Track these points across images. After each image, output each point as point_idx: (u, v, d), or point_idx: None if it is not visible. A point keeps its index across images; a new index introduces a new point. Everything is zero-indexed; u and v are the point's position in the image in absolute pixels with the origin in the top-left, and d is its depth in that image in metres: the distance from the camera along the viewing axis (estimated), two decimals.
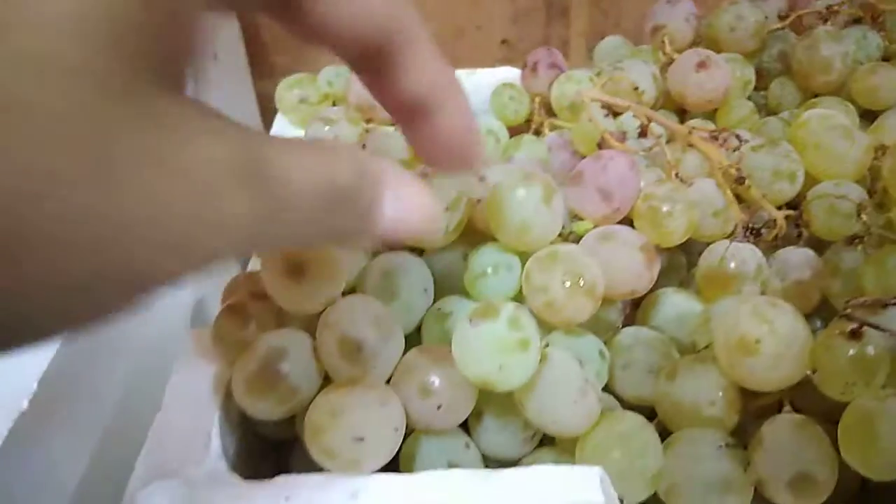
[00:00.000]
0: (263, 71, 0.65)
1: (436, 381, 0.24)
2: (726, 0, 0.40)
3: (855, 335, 0.22)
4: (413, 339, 0.27)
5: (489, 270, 0.26)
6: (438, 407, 0.24)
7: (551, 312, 0.26)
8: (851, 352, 0.22)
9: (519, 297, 0.27)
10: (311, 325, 0.26)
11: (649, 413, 0.28)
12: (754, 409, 0.26)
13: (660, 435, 0.26)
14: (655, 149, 0.32)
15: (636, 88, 0.34)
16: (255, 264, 0.35)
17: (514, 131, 0.43)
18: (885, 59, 0.39)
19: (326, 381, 0.25)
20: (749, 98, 0.40)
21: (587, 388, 0.23)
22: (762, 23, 0.39)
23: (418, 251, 0.29)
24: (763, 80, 0.41)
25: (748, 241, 0.30)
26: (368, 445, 0.22)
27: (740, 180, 0.30)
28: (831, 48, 0.37)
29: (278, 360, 0.25)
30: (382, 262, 0.27)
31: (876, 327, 0.22)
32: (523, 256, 0.27)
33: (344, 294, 0.27)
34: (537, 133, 0.42)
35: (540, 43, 0.63)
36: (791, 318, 0.24)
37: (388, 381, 0.25)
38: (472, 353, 0.22)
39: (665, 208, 0.28)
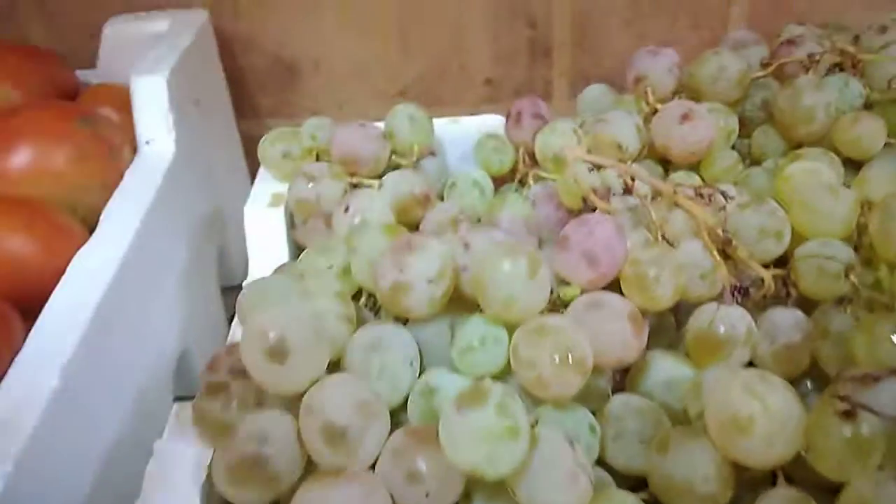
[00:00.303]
0: (247, 112, 0.64)
1: (423, 466, 0.23)
2: (708, 49, 0.40)
3: (849, 416, 0.22)
4: (399, 413, 0.27)
5: (476, 343, 0.26)
6: (426, 494, 0.23)
7: (540, 388, 0.25)
8: (846, 433, 0.22)
9: (507, 370, 0.26)
10: (293, 404, 0.26)
11: (643, 481, 0.27)
12: (746, 479, 0.26)
13: None
14: (641, 209, 0.32)
15: (619, 145, 0.33)
16: (236, 332, 0.34)
17: (499, 181, 0.43)
18: (867, 106, 0.39)
19: (310, 464, 0.25)
20: (733, 146, 0.40)
21: (578, 471, 0.23)
22: (745, 72, 0.39)
23: (403, 321, 0.29)
24: (746, 127, 0.41)
25: (736, 302, 0.29)
26: None
27: (727, 242, 0.29)
28: (813, 97, 0.37)
29: (260, 447, 0.24)
30: (366, 335, 0.27)
31: (869, 410, 0.22)
32: (511, 327, 0.27)
33: (327, 369, 0.26)
34: (522, 183, 0.42)
35: (523, 82, 0.63)
36: (783, 393, 0.23)
37: (373, 465, 0.24)
38: (459, 441, 0.22)
39: (652, 274, 0.28)
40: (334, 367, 0.27)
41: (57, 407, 0.31)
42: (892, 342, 0.24)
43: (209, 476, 0.26)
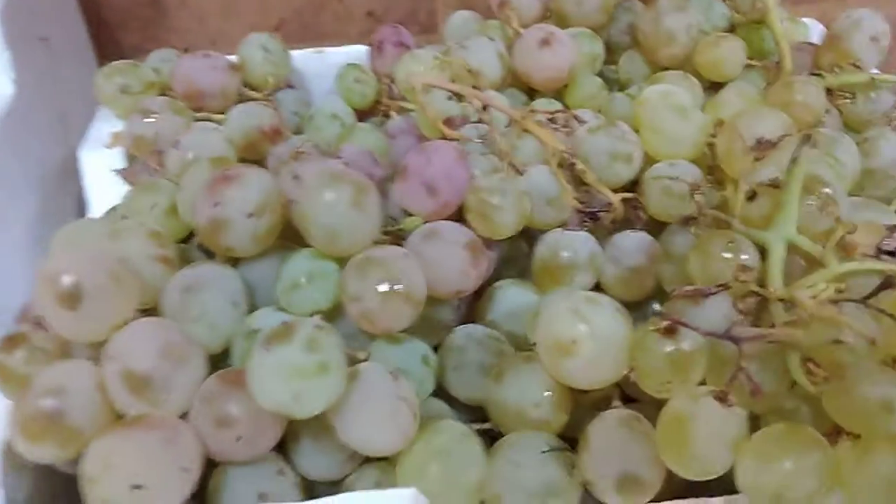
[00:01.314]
0: (110, 52, 0.59)
1: (233, 410, 0.21)
2: None
3: (669, 332, 0.21)
4: (224, 358, 0.25)
5: (302, 280, 0.24)
6: (238, 438, 0.21)
7: (368, 322, 0.24)
8: (665, 349, 0.21)
9: (339, 306, 0.25)
10: (98, 352, 0.24)
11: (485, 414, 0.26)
12: (588, 402, 0.26)
13: (494, 439, 0.25)
14: (489, 136, 0.31)
15: (470, 71, 0.32)
16: None
17: (364, 115, 0.41)
18: (731, 29, 0.39)
19: (119, 415, 0.23)
20: (600, 73, 0.39)
21: (400, 405, 0.22)
22: None
23: (232, 261, 0.27)
24: (613, 53, 0.40)
25: (586, 228, 0.29)
26: (150, 492, 0.20)
27: (571, 166, 0.28)
28: (675, 19, 0.36)
29: (56, 400, 0.22)
30: (184, 276, 0.25)
31: (689, 326, 0.21)
32: (341, 261, 0.25)
33: (143, 315, 0.24)
34: (386, 116, 0.40)
35: (407, 14, 0.60)
36: (609, 315, 0.23)
37: (186, 414, 0.22)
38: (264, 380, 0.20)
39: (494, 201, 0.27)
40: (152, 313, 0.25)
41: None
42: (724, 258, 0.24)
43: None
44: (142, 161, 0.31)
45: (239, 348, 0.24)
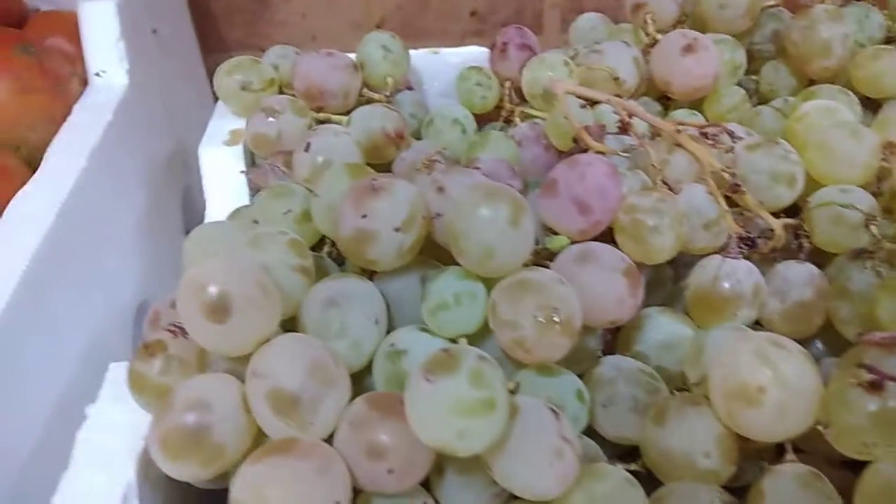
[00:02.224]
0: (214, 45, 0.59)
1: (387, 440, 0.20)
2: None
3: (875, 387, 0.19)
4: (363, 378, 0.24)
5: (450, 300, 0.23)
6: (390, 471, 0.20)
7: (522, 352, 0.22)
8: (871, 407, 0.19)
9: (484, 330, 0.23)
10: (241, 365, 0.22)
11: (634, 449, 0.24)
12: (749, 449, 0.23)
13: (644, 478, 0.23)
14: (639, 149, 0.29)
15: (616, 78, 0.30)
16: None
17: (483, 119, 0.39)
18: (889, 41, 0.35)
19: (261, 434, 0.22)
20: (739, 83, 0.36)
21: (564, 447, 0.20)
22: (755, 0, 0.35)
23: (368, 274, 0.25)
24: (754, 62, 0.37)
25: (742, 255, 0.26)
26: None
27: (735, 188, 0.26)
28: (830, 29, 0.33)
29: (201, 415, 0.21)
30: (325, 289, 0.24)
31: None
32: (489, 282, 0.23)
33: (281, 328, 0.23)
34: (508, 122, 0.38)
35: (512, 15, 0.59)
36: (799, 362, 0.20)
37: (330, 437, 0.21)
38: (428, 415, 0.19)
39: (651, 222, 0.25)
40: (289, 326, 0.23)
41: None
42: None
43: (146, 447, 0.23)
44: (268, 163, 0.30)
45: (381, 369, 0.23)
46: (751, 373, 0.20)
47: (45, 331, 0.33)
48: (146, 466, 0.23)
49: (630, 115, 0.29)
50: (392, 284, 0.25)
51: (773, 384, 0.20)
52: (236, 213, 0.30)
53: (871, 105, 0.34)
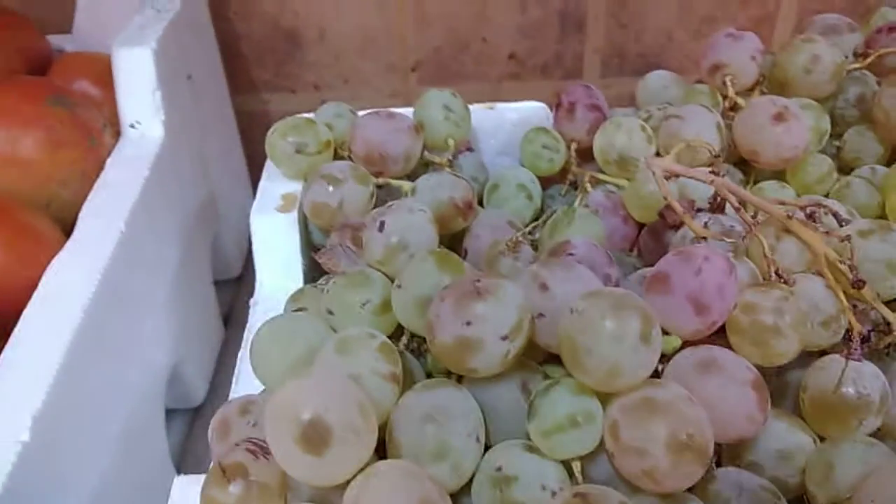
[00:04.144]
0: (242, 86, 0.57)
1: None
2: (796, 37, 0.35)
3: None
4: (459, 498, 0.21)
5: (565, 423, 0.20)
6: None
7: (650, 481, 0.20)
8: None
9: (597, 449, 0.21)
10: (329, 493, 0.20)
11: None
12: None
13: None
14: (739, 231, 0.27)
15: (717, 156, 0.28)
16: (242, 374, 0.28)
17: (545, 182, 0.37)
18: None
19: None
20: (822, 150, 0.34)
21: None
22: (841, 64, 0.34)
23: (456, 377, 0.23)
24: (835, 127, 0.35)
25: (863, 357, 0.24)
26: None
27: (859, 284, 0.24)
28: None
29: None
30: (419, 402, 0.21)
31: None
32: (602, 395, 0.21)
33: None
34: (574, 186, 0.36)
35: (551, 58, 0.57)
36: None
37: None
38: None
39: (772, 323, 0.23)
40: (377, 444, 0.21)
41: (28, 460, 0.25)
42: None
43: None
44: (338, 243, 0.28)
45: (487, 497, 0.21)
46: None
47: (82, 405, 0.31)
48: None
49: (739, 202, 0.26)
50: (489, 393, 0.23)
51: None
52: (300, 296, 0.27)
53: None
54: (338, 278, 0.26)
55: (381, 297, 0.25)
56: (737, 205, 0.26)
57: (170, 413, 0.43)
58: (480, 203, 0.36)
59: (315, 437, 0.18)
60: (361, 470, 0.19)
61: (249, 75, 0.57)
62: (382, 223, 0.27)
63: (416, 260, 0.24)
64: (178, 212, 0.43)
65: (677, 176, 0.28)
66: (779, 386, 0.27)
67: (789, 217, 0.25)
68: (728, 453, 0.25)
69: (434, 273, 0.24)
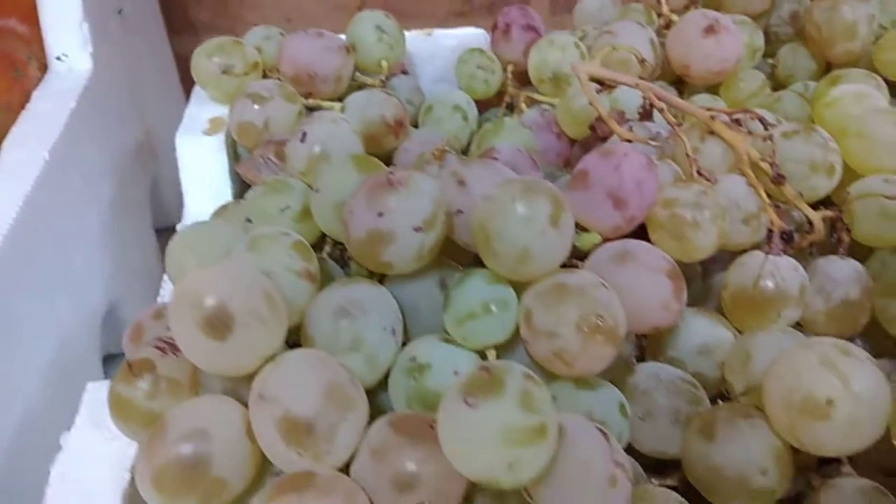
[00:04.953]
0: (180, 27, 0.56)
1: (417, 470, 0.17)
2: None
3: None
4: (375, 393, 0.21)
5: (479, 310, 0.20)
6: None
7: (561, 364, 0.20)
8: None
9: (513, 338, 0.21)
10: (240, 386, 0.20)
11: (669, 463, 0.22)
12: (801, 462, 0.21)
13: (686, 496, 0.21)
14: (665, 136, 0.26)
15: (642, 61, 0.27)
16: (167, 288, 0.28)
17: (483, 105, 0.37)
18: None
19: (263, 465, 0.19)
20: (756, 67, 0.34)
21: (618, 473, 0.18)
22: None
23: (378, 277, 0.23)
24: (770, 45, 0.35)
25: (783, 252, 0.24)
26: None
27: (779, 179, 0.24)
28: (855, 10, 0.32)
29: (198, 446, 0.18)
30: (334, 297, 0.21)
31: None
32: (517, 285, 0.21)
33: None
34: (510, 108, 0.36)
35: None
36: (869, 370, 0.18)
37: (347, 465, 0.19)
38: (470, 444, 0.16)
39: (691, 217, 0.23)
40: (291, 336, 0.21)
41: None
42: None
43: (133, 481, 0.20)
44: (259, 154, 0.27)
45: (401, 385, 0.21)
46: (818, 384, 0.18)
47: (6, 338, 0.30)
48: (133, 502, 0.20)
49: (661, 103, 0.26)
50: (407, 289, 0.22)
51: (844, 396, 0.18)
52: (223, 211, 0.27)
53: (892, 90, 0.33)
54: (257, 186, 0.25)
55: (301, 204, 0.24)
56: (661, 106, 0.25)
57: (114, 358, 0.42)
58: (416, 127, 0.35)
59: (217, 323, 0.18)
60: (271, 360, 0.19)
61: (188, 15, 0.56)
62: (304, 134, 0.27)
63: (334, 164, 0.24)
64: (109, 147, 0.42)
65: (604, 85, 0.28)
66: (704, 289, 0.27)
67: (712, 118, 0.25)
68: (651, 350, 0.25)
69: (353, 176, 0.23)
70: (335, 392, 0.18)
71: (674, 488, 0.21)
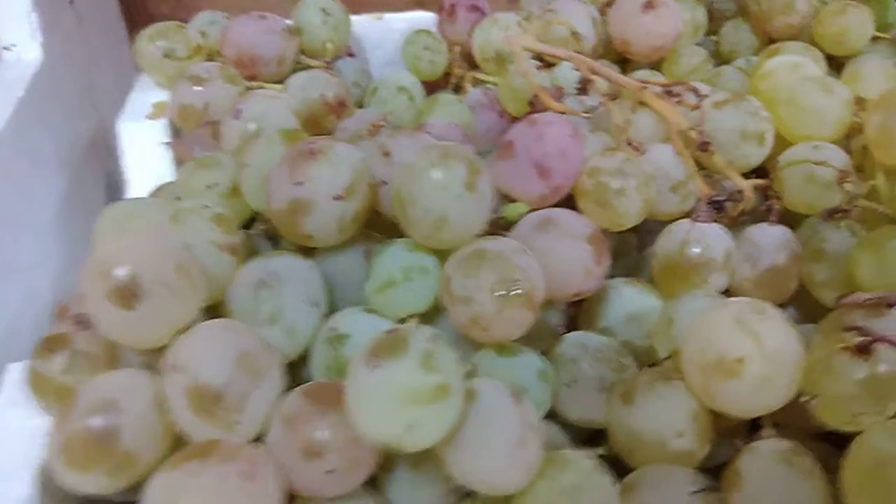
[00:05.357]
0: (139, 19, 0.55)
1: (326, 437, 0.17)
2: None
3: (863, 351, 0.17)
4: (300, 366, 0.21)
5: (398, 276, 0.20)
6: (329, 472, 0.18)
7: (479, 330, 0.20)
8: (860, 374, 0.17)
9: (438, 309, 0.21)
10: (156, 360, 0.20)
11: (600, 433, 0.22)
12: (725, 427, 0.21)
13: (611, 463, 0.21)
14: (600, 109, 0.26)
15: (575, 33, 0.27)
16: None
17: (431, 87, 0.37)
18: None
19: (179, 437, 0.19)
20: (699, 43, 0.34)
21: (527, 435, 0.18)
22: None
23: (306, 251, 0.23)
24: (713, 22, 0.35)
25: (711, 219, 0.24)
26: None
27: (704, 146, 0.24)
28: None
29: (107, 418, 0.18)
30: (254, 270, 0.21)
31: (888, 341, 0.17)
32: (440, 254, 0.21)
33: (207, 315, 0.20)
34: (457, 89, 0.36)
35: None
36: (781, 328, 0.19)
37: (261, 435, 0.18)
38: (370, 406, 0.16)
39: (616, 185, 0.23)
40: (215, 312, 0.21)
41: None
42: None
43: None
44: (194, 132, 0.27)
45: (321, 356, 0.21)
46: (729, 342, 0.18)
47: None
48: (48, 478, 0.20)
49: (592, 74, 0.27)
50: (333, 262, 0.22)
51: (754, 354, 0.18)
52: (159, 191, 0.27)
53: (835, 63, 0.33)
54: (187, 164, 0.25)
55: (230, 180, 0.24)
56: (591, 78, 0.25)
57: None
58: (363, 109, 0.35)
59: (126, 292, 0.18)
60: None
61: (147, 8, 0.55)
62: (239, 111, 0.26)
63: (263, 138, 0.24)
64: (61, 139, 0.42)
65: (543, 61, 0.28)
66: (639, 261, 0.27)
67: (642, 90, 0.25)
68: (583, 321, 0.25)
69: (281, 150, 0.23)
70: (247, 361, 0.18)
71: (602, 457, 0.22)
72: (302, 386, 0.19)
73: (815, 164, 0.25)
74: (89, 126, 0.46)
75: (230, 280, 0.21)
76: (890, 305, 0.19)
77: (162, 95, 0.34)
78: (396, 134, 0.23)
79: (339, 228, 0.21)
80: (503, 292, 0.19)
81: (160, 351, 0.19)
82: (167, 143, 0.26)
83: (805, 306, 0.25)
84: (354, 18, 0.37)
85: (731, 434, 0.22)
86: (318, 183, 0.20)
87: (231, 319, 0.19)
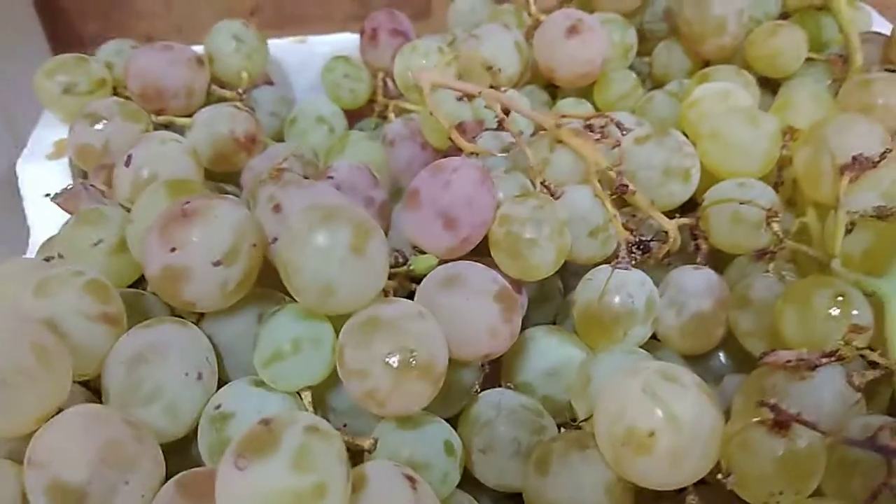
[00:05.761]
0: (67, 41, 0.53)
1: None
2: None
3: (780, 428, 0.16)
4: (188, 445, 0.20)
5: (287, 349, 0.19)
6: None
7: (375, 404, 0.18)
8: (777, 451, 0.16)
9: (334, 377, 0.19)
10: (25, 446, 0.18)
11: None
12: (649, 494, 0.20)
13: None
14: (515, 149, 0.25)
15: (489, 68, 0.26)
16: None
17: (355, 115, 0.35)
18: (784, 16, 0.33)
19: None
20: (630, 66, 0.33)
21: None
22: None
23: (195, 316, 0.21)
24: (646, 43, 0.34)
25: (634, 262, 0.23)
26: None
27: (622, 189, 0.23)
28: (724, 5, 0.31)
29: None
30: (131, 342, 0.19)
31: (806, 423, 0.16)
32: (340, 319, 0.19)
33: (83, 391, 0.18)
34: (383, 117, 0.34)
35: None
36: (695, 398, 0.17)
37: None
38: None
39: (528, 234, 0.21)
40: (97, 386, 0.19)
41: None
42: (831, 316, 0.19)
43: None
44: (82, 182, 0.25)
45: (205, 436, 0.19)
46: (638, 415, 0.17)
47: None
48: None
49: (506, 110, 0.25)
50: (223, 327, 0.21)
51: (665, 427, 0.17)
52: (42, 248, 0.25)
53: (770, 85, 0.32)
54: (71, 218, 0.23)
55: (116, 235, 0.22)
56: (501, 115, 0.24)
57: None
58: (283, 140, 0.33)
59: None
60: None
61: (74, 29, 0.53)
62: (129, 157, 0.25)
63: (148, 191, 0.22)
64: None
65: (462, 93, 0.27)
66: (565, 305, 0.26)
67: (558, 126, 0.24)
68: (504, 374, 0.23)
69: (164, 204, 0.21)
70: (113, 452, 0.17)
71: None
72: (178, 476, 0.17)
73: (741, 202, 0.23)
74: (7, 162, 0.43)
75: (108, 351, 0.19)
76: (812, 368, 0.18)
77: (65, 132, 0.31)
78: (287, 184, 0.21)
79: (223, 295, 0.19)
80: (398, 364, 0.18)
81: (27, 437, 0.17)
82: (53, 197, 0.24)
83: (735, 353, 0.24)
84: (275, 42, 0.36)
85: (657, 499, 0.20)
86: (194, 248, 0.18)
87: (97, 405, 0.18)
